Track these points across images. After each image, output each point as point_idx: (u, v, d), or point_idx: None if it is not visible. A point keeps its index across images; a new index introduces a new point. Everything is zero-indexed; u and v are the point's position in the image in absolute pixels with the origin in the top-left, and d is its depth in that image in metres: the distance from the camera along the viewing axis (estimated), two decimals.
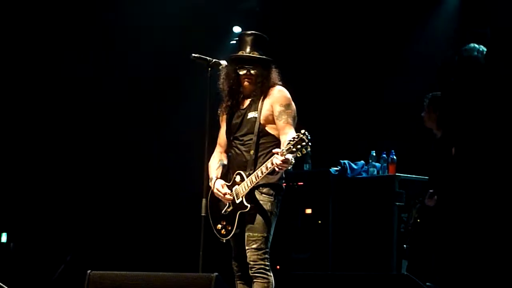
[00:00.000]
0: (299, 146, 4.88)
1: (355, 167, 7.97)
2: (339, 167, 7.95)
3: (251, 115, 5.33)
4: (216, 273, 4.91)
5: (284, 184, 5.39)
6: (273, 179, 5.23)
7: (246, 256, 5.21)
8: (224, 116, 5.49)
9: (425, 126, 7.05)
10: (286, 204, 5.57)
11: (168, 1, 9.08)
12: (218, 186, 5.30)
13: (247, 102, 5.40)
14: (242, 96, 5.41)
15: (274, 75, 5.40)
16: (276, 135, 5.29)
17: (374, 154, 7.98)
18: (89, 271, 5.19)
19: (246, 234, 5.22)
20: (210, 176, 5.39)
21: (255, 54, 5.36)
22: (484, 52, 5.87)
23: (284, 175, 5.34)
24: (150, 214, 9.41)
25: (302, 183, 8.10)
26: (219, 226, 5.34)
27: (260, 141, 5.29)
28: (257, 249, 5.17)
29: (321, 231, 7.87)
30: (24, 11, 8.79)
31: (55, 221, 9.02)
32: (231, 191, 5.27)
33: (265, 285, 5.17)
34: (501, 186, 5.78)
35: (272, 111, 5.29)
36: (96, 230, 9.14)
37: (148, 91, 9.45)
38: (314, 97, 8.83)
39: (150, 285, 5.04)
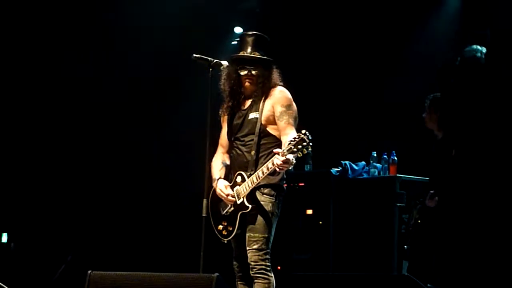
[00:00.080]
0: (300, 147, 4.87)
1: (356, 168, 7.97)
2: (340, 168, 7.95)
3: (252, 115, 5.33)
4: (217, 274, 4.91)
5: (285, 185, 5.39)
6: (274, 179, 5.23)
7: (247, 257, 5.21)
8: (226, 117, 5.49)
9: (426, 127, 7.06)
10: (287, 204, 5.56)
11: (168, 1, 9.07)
12: (221, 187, 5.29)
13: (248, 102, 5.40)
14: (243, 96, 5.41)
15: (275, 75, 5.40)
16: (277, 136, 5.28)
17: (375, 155, 7.98)
18: (89, 271, 5.19)
19: (247, 234, 5.21)
20: (213, 177, 5.38)
21: (256, 55, 5.35)
22: (485, 54, 5.89)
23: (285, 176, 5.33)
24: (150, 215, 9.40)
25: (303, 184, 8.10)
26: (220, 226, 5.34)
27: (261, 142, 5.28)
28: (258, 249, 5.17)
29: (322, 232, 7.87)
30: (24, 11, 8.79)
31: (56, 221, 9.02)
32: (232, 191, 5.27)
33: (266, 285, 5.17)
34: (501, 186, 5.79)
35: (273, 112, 5.28)
36: (97, 230, 9.14)
37: (148, 91, 9.45)
38: (315, 98, 8.83)
39: (150, 285, 5.04)
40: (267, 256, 5.20)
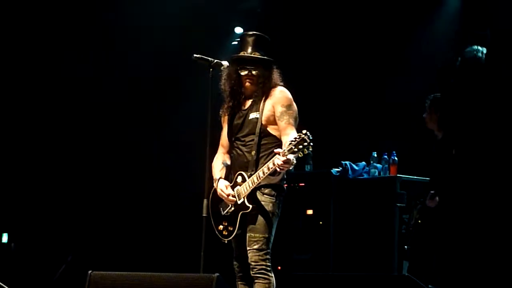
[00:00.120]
0: (300, 147, 4.87)
1: (356, 168, 7.96)
2: (341, 168, 7.95)
3: (252, 115, 5.32)
4: (217, 274, 4.90)
5: (286, 185, 5.39)
6: (275, 179, 5.23)
7: (247, 257, 5.21)
8: (226, 117, 5.48)
9: (426, 127, 7.06)
10: (288, 205, 5.56)
11: (168, 1, 9.08)
12: (222, 187, 5.29)
13: (248, 102, 5.39)
14: (243, 96, 5.41)
15: (276, 75, 5.40)
16: (278, 136, 5.28)
17: (375, 155, 7.97)
18: (90, 272, 5.19)
19: (247, 234, 5.21)
20: (214, 177, 5.38)
21: (257, 55, 5.35)
22: (485, 54, 5.88)
23: (285, 176, 5.33)
24: (151, 215, 9.40)
25: (303, 184, 8.10)
26: (221, 227, 5.34)
27: (262, 142, 5.28)
28: (258, 249, 5.17)
29: (322, 232, 7.87)
30: (24, 11, 8.79)
31: (56, 221, 9.02)
32: (233, 191, 5.26)
33: (266, 285, 5.16)
34: (501, 186, 5.77)
35: (274, 112, 5.28)
36: (97, 231, 9.14)
37: (148, 91, 9.45)
38: (316, 98, 8.83)
39: (151, 285, 5.04)
40: (268, 256, 5.19)
